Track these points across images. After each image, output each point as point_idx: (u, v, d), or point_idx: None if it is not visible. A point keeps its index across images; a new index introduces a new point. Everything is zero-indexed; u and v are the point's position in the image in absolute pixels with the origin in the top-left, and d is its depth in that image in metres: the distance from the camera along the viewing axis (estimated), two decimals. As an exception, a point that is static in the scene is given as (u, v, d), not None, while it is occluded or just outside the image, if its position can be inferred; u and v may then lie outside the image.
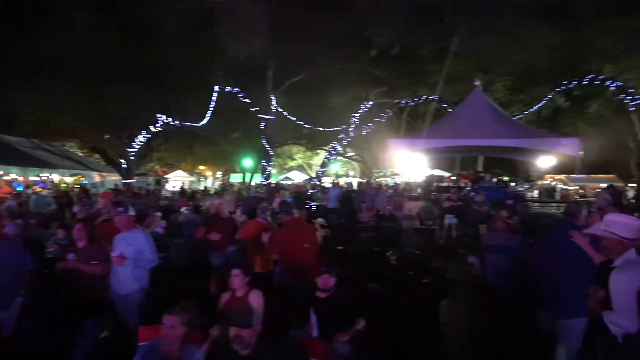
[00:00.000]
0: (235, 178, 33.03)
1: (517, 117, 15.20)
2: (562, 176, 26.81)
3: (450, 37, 14.18)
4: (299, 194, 15.78)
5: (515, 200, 13.06)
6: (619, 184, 26.15)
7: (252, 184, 26.06)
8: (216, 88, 19.13)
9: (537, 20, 13.62)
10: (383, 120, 16.67)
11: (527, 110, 17.18)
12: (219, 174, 38.12)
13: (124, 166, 19.45)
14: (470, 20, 13.18)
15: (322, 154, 28.26)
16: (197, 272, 5.69)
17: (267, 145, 21.94)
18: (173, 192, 21.81)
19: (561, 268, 3.40)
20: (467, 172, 26.22)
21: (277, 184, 23.14)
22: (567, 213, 4.06)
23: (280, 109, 20.59)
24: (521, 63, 16.72)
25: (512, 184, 32.30)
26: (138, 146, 18.19)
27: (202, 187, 28.92)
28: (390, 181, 23.25)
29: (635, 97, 11.89)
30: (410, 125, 30.71)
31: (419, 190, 17.15)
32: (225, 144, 26.84)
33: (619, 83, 12.41)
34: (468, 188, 15.82)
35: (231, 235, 6.53)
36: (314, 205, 14.06)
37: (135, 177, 21.80)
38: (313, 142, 28.97)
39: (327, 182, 20.33)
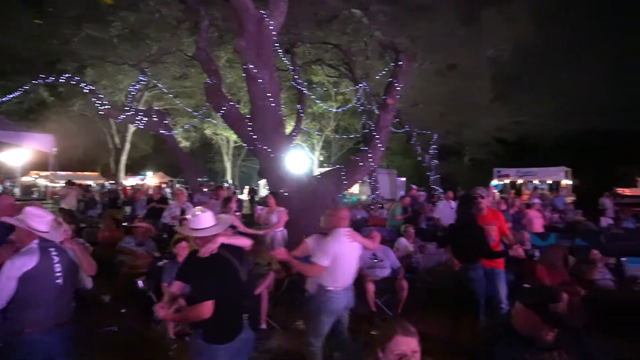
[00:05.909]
0: None
1: (-6, 105, 13.38)
2: (48, 173, 26.13)
3: None
4: None
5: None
6: (101, 180, 28.61)
7: None
8: None
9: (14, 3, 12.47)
10: None
11: (6, 97, 15.41)
12: None
13: None
14: None
15: None
16: None
17: None
18: None
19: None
20: None
21: None
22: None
23: None
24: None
25: (-10, 180, 28.58)
26: None
27: None
28: None
29: (104, 102, 13.02)
30: None
31: None
32: None
33: (92, 87, 13.18)
34: None
35: None
36: None
37: None
38: None
39: None
